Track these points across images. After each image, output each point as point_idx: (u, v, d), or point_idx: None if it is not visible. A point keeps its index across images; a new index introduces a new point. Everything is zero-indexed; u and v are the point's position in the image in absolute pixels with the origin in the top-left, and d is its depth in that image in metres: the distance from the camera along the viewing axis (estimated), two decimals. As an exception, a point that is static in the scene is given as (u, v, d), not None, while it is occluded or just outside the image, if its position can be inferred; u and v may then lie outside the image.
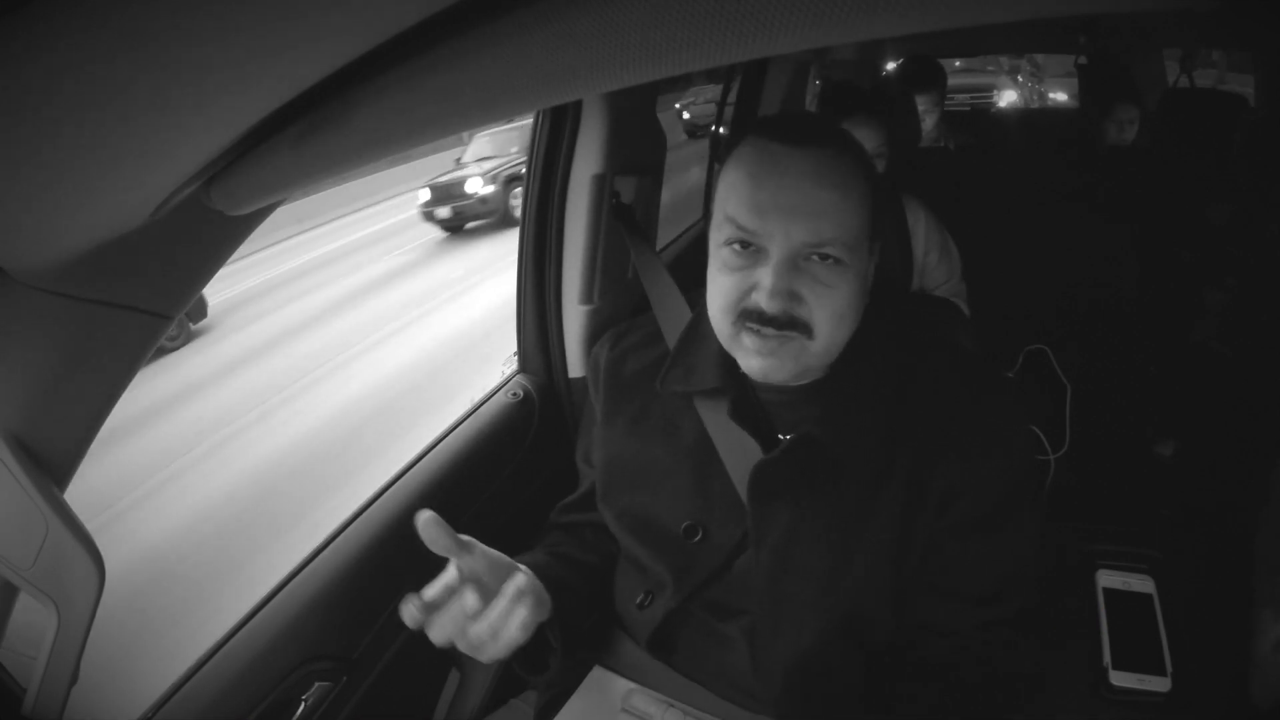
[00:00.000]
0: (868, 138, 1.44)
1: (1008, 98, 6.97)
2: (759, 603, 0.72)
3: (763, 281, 0.65)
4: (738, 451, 0.74)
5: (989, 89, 6.82)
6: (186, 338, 6.92)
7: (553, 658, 0.73)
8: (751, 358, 0.68)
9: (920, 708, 0.70)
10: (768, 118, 0.76)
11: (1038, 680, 0.76)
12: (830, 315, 0.66)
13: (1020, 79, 8.07)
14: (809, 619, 0.70)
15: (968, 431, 0.69)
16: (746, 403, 0.75)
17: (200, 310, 7.00)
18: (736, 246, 0.67)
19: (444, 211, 8.71)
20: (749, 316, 0.66)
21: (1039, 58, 6.99)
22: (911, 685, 0.72)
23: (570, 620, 0.74)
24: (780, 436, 0.74)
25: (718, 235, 0.69)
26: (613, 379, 0.84)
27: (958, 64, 6.02)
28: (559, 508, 0.92)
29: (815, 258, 0.65)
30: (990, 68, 7.49)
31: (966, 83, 6.22)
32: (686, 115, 11.35)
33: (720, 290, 0.68)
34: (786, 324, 0.65)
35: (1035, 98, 7.35)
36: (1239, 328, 1.77)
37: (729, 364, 0.75)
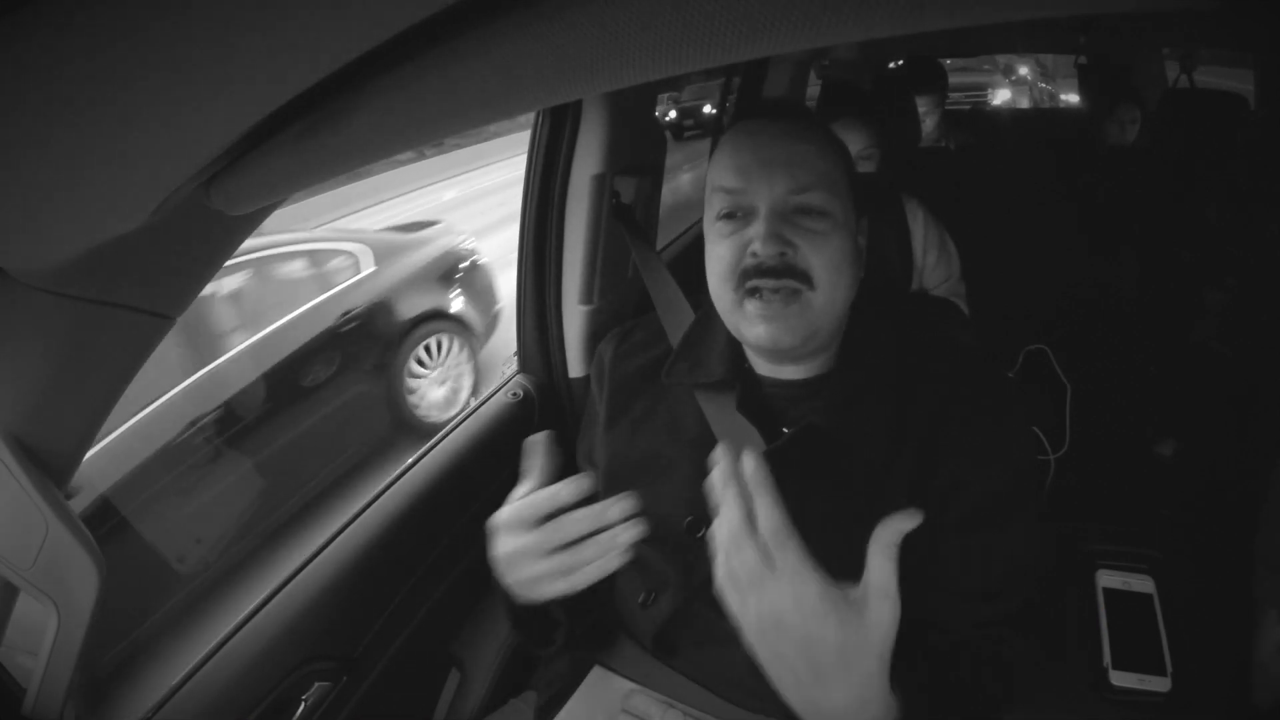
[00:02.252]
0: (853, 140, 1.45)
1: (1002, 96, 7.07)
2: None
3: (756, 233, 0.67)
4: (741, 445, 0.73)
5: (983, 88, 6.93)
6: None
7: (558, 632, 0.75)
8: (757, 324, 0.69)
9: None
10: (747, 107, 0.77)
11: (1036, 679, 0.76)
12: (826, 263, 0.67)
13: (1025, 74, 8.08)
14: None
15: (969, 430, 0.70)
16: (752, 396, 0.75)
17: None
18: (728, 214, 0.70)
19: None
20: (748, 275, 0.68)
21: (1048, 60, 7.02)
22: None
23: (577, 605, 0.73)
24: (784, 430, 0.74)
25: (710, 211, 0.72)
26: (617, 376, 0.85)
27: (962, 63, 6.07)
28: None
29: (801, 211, 0.68)
30: (986, 67, 7.55)
31: (961, 81, 6.30)
32: (672, 115, 10.83)
33: (718, 258, 0.70)
34: (785, 271, 0.67)
35: (1045, 99, 7.36)
36: (1239, 328, 1.77)
37: (735, 357, 0.76)
